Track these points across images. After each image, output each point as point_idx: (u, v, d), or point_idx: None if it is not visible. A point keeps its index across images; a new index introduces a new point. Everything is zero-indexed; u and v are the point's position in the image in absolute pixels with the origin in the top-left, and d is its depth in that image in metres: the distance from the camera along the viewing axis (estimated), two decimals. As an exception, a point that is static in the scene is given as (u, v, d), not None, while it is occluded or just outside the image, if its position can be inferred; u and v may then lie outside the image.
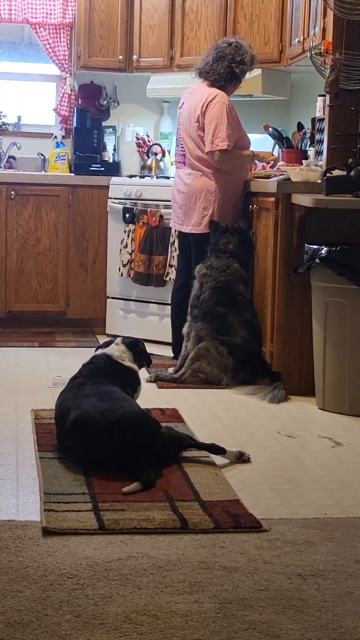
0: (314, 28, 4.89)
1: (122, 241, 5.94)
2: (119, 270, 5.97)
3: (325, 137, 4.78)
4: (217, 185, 5.07)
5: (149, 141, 6.59)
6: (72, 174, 6.36)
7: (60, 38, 6.49)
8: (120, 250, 5.95)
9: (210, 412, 4.33)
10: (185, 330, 5.01)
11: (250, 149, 5.26)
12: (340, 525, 2.94)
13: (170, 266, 5.69)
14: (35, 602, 2.35)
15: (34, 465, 3.45)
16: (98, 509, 2.99)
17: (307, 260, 4.29)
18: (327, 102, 4.74)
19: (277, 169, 5.24)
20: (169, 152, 6.41)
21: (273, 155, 5.38)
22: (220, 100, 5.03)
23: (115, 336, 4.17)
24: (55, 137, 6.63)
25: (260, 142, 6.10)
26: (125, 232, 5.92)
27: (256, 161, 5.32)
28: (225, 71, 5.08)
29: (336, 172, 4.47)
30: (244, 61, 5.09)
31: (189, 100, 5.17)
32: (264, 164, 5.38)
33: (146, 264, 5.80)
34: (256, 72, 5.72)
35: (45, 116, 6.75)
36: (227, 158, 5.02)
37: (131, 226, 5.89)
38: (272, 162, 5.31)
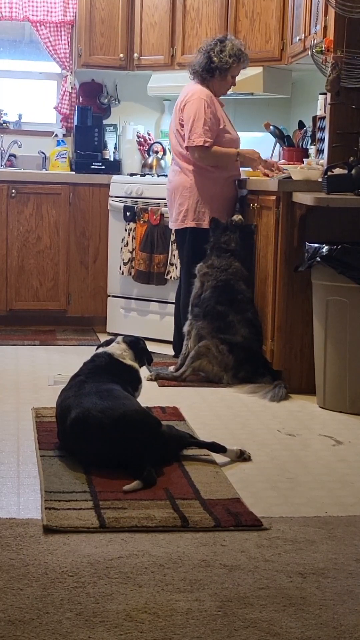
0: (315, 26, 4.88)
1: (122, 239, 5.95)
2: (120, 269, 5.97)
3: (326, 135, 4.77)
4: (193, 181, 5.10)
5: (149, 139, 6.59)
6: (73, 172, 6.36)
7: (61, 36, 6.49)
8: (121, 248, 5.95)
9: (210, 411, 4.33)
10: (186, 328, 5.01)
11: (248, 147, 5.29)
12: (341, 524, 2.94)
13: (171, 264, 5.69)
14: (36, 600, 2.35)
15: (34, 463, 3.45)
16: (99, 507, 2.99)
17: (308, 259, 4.29)
18: (328, 100, 4.74)
19: (265, 173, 5.15)
20: (170, 151, 6.41)
21: (256, 153, 5.17)
22: (198, 96, 5.04)
23: (116, 334, 4.17)
24: (56, 135, 6.63)
25: (261, 140, 6.10)
26: (126, 230, 5.92)
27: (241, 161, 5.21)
28: (204, 62, 5.08)
29: (337, 171, 4.47)
30: (223, 52, 5.04)
31: (179, 98, 5.22)
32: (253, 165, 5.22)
33: (147, 262, 5.80)
34: (257, 70, 5.72)
35: (46, 114, 6.74)
36: (207, 155, 5.04)
37: (132, 224, 5.89)
38: (254, 162, 5.13)
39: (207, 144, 5.00)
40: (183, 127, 5.09)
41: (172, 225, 5.30)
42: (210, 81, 5.11)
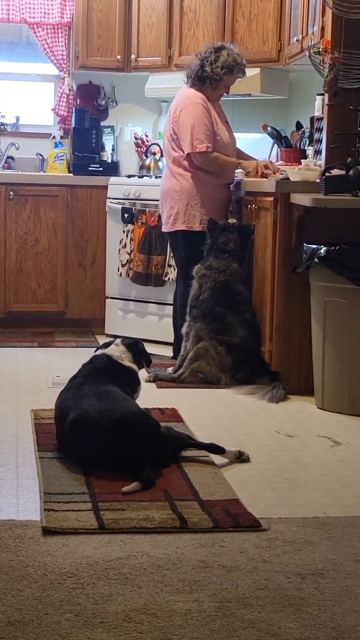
0: (313, 27, 4.89)
1: (120, 241, 5.95)
2: (118, 270, 5.97)
3: (324, 136, 4.78)
4: (182, 185, 5.11)
5: (147, 141, 6.60)
6: (71, 174, 6.36)
7: (58, 38, 6.49)
8: (119, 250, 5.95)
9: (209, 412, 4.33)
10: (184, 330, 5.01)
11: (246, 149, 5.30)
12: (339, 524, 2.95)
13: (169, 266, 5.70)
14: (35, 601, 2.35)
15: (33, 465, 3.45)
16: (98, 509, 2.99)
17: (306, 260, 4.30)
18: (326, 101, 4.74)
19: (264, 172, 5.14)
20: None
21: (254, 168, 5.10)
22: (194, 101, 5.04)
23: (115, 336, 4.18)
24: (54, 137, 6.63)
25: (259, 141, 6.11)
26: (124, 232, 5.93)
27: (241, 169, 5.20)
28: (197, 69, 5.06)
29: (335, 172, 4.48)
30: (216, 62, 5.01)
31: (173, 102, 5.21)
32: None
33: (145, 263, 5.80)
34: (255, 71, 5.72)
35: (44, 116, 6.75)
36: (210, 161, 5.05)
37: (130, 226, 5.89)
38: (251, 170, 5.11)
39: (209, 149, 5.01)
40: (176, 132, 5.09)
41: (164, 228, 5.31)
42: (203, 88, 5.10)
